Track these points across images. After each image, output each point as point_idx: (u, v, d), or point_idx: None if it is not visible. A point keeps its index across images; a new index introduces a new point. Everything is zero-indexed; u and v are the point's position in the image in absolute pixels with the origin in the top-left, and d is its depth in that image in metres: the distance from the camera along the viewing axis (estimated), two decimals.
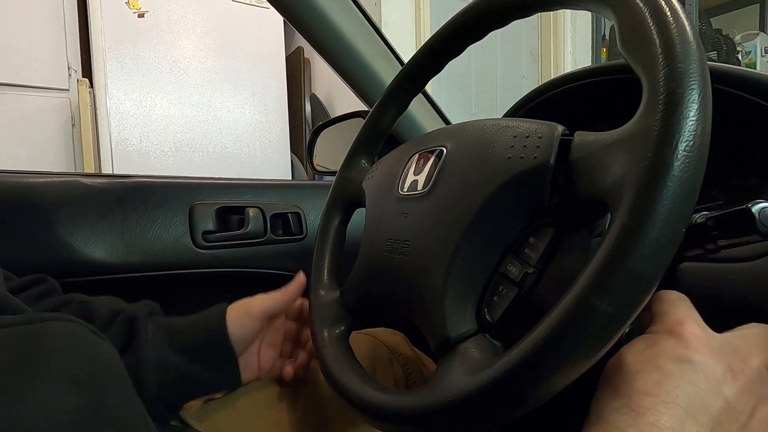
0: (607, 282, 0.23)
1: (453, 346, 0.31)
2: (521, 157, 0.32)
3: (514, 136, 0.33)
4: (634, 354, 0.27)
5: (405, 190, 0.40)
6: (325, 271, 0.49)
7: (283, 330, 0.53)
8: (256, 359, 0.51)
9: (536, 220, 0.32)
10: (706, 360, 0.26)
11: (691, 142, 0.23)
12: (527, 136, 0.32)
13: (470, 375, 0.28)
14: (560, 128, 0.31)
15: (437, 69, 0.48)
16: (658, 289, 0.24)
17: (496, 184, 0.32)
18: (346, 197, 0.52)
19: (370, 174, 0.48)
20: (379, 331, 0.62)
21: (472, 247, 0.33)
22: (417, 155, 0.42)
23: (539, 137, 0.32)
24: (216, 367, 0.46)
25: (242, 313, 0.48)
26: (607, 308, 0.23)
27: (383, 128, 0.52)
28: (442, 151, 0.39)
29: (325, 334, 0.43)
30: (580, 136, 0.30)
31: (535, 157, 0.31)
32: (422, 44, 0.47)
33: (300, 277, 0.52)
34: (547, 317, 0.24)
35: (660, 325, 0.28)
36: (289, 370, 0.51)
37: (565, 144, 0.30)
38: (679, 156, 0.22)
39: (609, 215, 0.25)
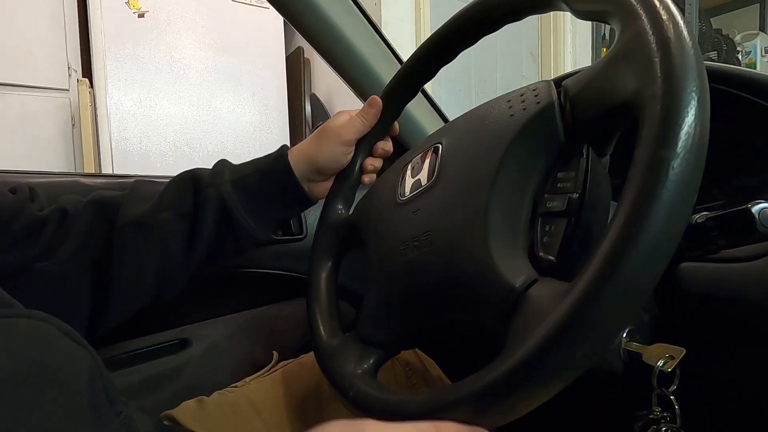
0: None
1: (518, 296, 0.29)
2: (524, 109, 0.33)
3: (509, 101, 0.35)
4: None
5: (407, 193, 0.40)
6: (326, 322, 0.45)
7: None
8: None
9: (558, 156, 0.33)
10: None
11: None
12: (522, 95, 0.34)
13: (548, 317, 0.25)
14: (550, 80, 0.34)
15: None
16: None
17: (509, 138, 0.33)
18: (332, 244, 0.50)
19: (361, 203, 0.48)
20: None
21: (504, 200, 0.32)
22: (410, 162, 0.42)
23: (534, 90, 0.34)
24: (284, 189, 0.52)
25: (336, 140, 0.52)
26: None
27: (356, 176, 0.54)
28: (438, 147, 0.39)
29: (356, 372, 0.38)
30: (571, 78, 0.31)
31: (538, 103, 0.32)
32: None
33: (373, 100, 0.52)
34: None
35: None
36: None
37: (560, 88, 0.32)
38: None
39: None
